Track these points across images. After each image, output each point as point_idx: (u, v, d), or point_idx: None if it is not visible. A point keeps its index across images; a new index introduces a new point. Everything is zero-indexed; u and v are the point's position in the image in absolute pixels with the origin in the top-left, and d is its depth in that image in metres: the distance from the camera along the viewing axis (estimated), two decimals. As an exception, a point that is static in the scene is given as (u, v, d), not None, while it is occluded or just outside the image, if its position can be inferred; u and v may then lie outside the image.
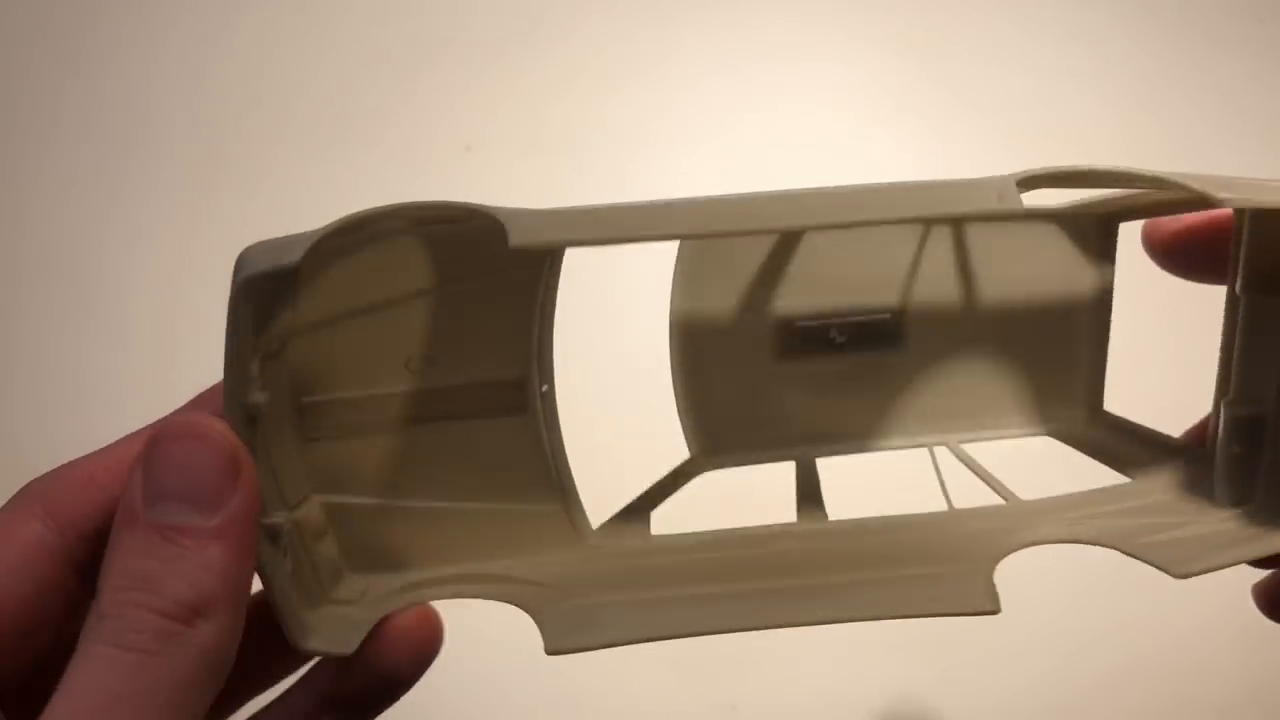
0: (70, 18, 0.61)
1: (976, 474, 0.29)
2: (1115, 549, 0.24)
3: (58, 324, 0.56)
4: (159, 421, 0.22)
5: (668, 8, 0.61)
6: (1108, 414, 0.30)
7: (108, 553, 0.19)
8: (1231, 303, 0.26)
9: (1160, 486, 0.27)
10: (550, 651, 0.22)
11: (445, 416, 0.26)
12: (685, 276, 0.30)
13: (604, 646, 0.22)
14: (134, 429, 0.22)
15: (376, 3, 0.62)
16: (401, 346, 0.26)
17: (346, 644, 0.22)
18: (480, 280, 0.26)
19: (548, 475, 0.27)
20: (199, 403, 0.23)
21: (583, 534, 0.27)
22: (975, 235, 0.30)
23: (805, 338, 0.29)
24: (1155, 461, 0.28)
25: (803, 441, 0.30)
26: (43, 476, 0.21)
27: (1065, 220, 0.30)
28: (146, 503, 0.19)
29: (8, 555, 0.20)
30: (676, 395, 0.30)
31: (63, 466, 0.21)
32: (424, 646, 0.23)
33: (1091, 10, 0.61)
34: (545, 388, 0.27)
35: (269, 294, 0.22)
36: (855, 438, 0.30)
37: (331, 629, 0.23)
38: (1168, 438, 0.29)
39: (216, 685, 0.19)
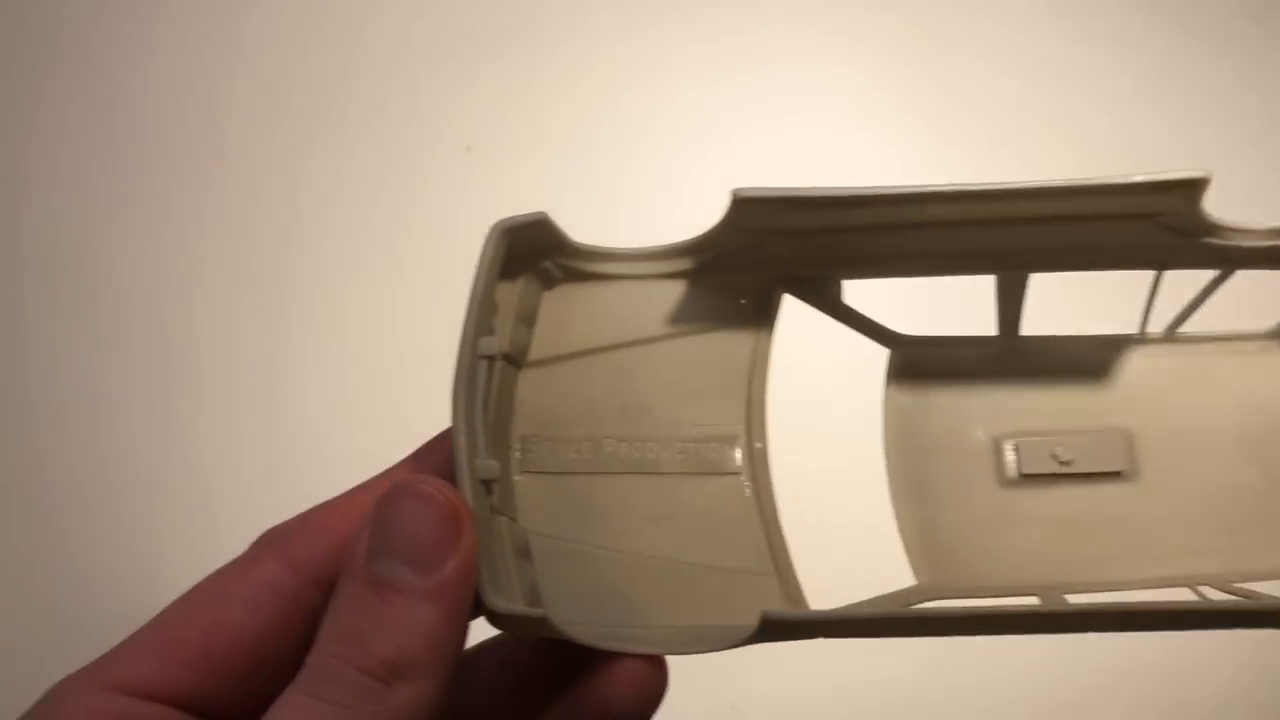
0: (72, 18, 0.61)
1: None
2: None
3: (59, 324, 0.56)
4: (392, 470, 0.23)
5: (669, 8, 0.61)
6: None
7: (329, 604, 0.19)
8: None
9: None
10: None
11: (656, 468, 0.26)
12: (897, 384, 0.29)
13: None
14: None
15: (377, 3, 0.62)
16: (622, 392, 0.26)
17: (538, 611, 0.22)
18: (702, 331, 0.26)
19: (757, 539, 0.26)
20: (427, 451, 0.23)
21: (801, 608, 0.26)
22: (1213, 355, 0.28)
23: (1028, 459, 0.27)
24: None
25: (1040, 578, 0.27)
26: (283, 524, 0.22)
27: None
28: (369, 557, 0.19)
29: (245, 593, 0.21)
30: (897, 517, 0.28)
31: (302, 514, 0.22)
32: (648, 686, 0.23)
33: (1089, 10, 0.61)
34: (758, 444, 0.26)
35: (521, 246, 0.24)
36: (1104, 575, 0.27)
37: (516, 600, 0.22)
38: None
39: None
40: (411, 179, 0.58)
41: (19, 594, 0.51)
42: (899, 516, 0.28)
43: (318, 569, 0.21)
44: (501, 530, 0.23)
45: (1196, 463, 0.27)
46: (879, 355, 0.29)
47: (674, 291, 0.26)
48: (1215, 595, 0.25)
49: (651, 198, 0.56)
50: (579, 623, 0.23)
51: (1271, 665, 0.51)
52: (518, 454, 0.25)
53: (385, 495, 0.20)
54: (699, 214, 0.26)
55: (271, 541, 0.22)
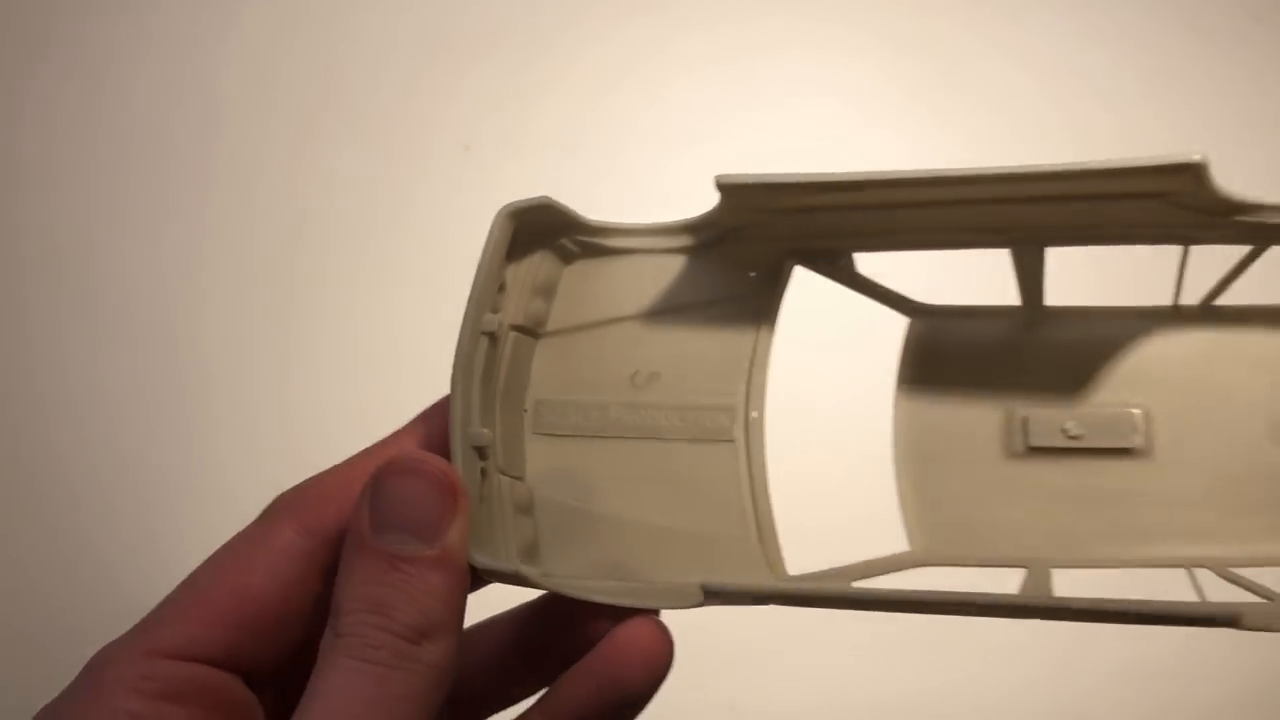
0: (68, 18, 0.61)
1: (1256, 594, 0.24)
2: None
3: (57, 323, 0.56)
4: (383, 444, 0.25)
5: (667, 5, 0.61)
6: None
7: (339, 575, 0.21)
8: None
9: None
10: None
11: (658, 434, 0.27)
12: (913, 353, 0.29)
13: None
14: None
15: (376, 3, 0.62)
16: (631, 360, 0.27)
17: (510, 566, 0.23)
18: (712, 303, 0.27)
19: (744, 505, 0.27)
20: (424, 418, 0.25)
21: (777, 572, 0.27)
22: (1246, 332, 0.27)
23: (1037, 432, 0.27)
24: None
25: (1036, 552, 0.27)
26: (289, 491, 0.24)
27: None
28: (373, 531, 0.21)
29: (266, 558, 0.23)
30: (898, 485, 0.29)
31: (306, 482, 0.24)
32: (654, 656, 0.24)
33: (1092, 9, 0.61)
34: (755, 414, 0.27)
35: (532, 227, 0.25)
36: (1099, 552, 0.27)
37: (503, 558, 0.24)
38: None
39: (442, 700, 0.21)
40: (410, 178, 0.58)
41: (19, 592, 0.51)
42: (900, 483, 0.29)
43: (330, 532, 0.23)
44: (502, 489, 0.25)
45: (1216, 442, 0.27)
46: (896, 327, 0.29)
47: (686, 265, 0.27)
48: (1211, 579, 0.25)
49: (652, 194, 0.56)
50: (568, 577, 0.25)
51: (1266, 666, 0.51)
52: (530, 416, 0.27)
53: (379, 472, 0.22)
54: (700, 208, 0.27)
55: (285, 508, 0.23)
